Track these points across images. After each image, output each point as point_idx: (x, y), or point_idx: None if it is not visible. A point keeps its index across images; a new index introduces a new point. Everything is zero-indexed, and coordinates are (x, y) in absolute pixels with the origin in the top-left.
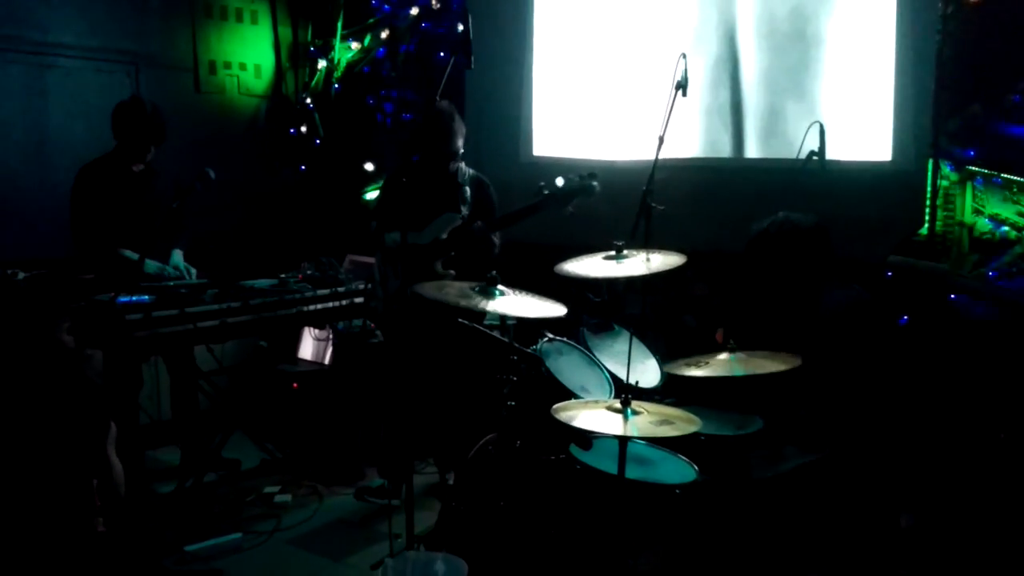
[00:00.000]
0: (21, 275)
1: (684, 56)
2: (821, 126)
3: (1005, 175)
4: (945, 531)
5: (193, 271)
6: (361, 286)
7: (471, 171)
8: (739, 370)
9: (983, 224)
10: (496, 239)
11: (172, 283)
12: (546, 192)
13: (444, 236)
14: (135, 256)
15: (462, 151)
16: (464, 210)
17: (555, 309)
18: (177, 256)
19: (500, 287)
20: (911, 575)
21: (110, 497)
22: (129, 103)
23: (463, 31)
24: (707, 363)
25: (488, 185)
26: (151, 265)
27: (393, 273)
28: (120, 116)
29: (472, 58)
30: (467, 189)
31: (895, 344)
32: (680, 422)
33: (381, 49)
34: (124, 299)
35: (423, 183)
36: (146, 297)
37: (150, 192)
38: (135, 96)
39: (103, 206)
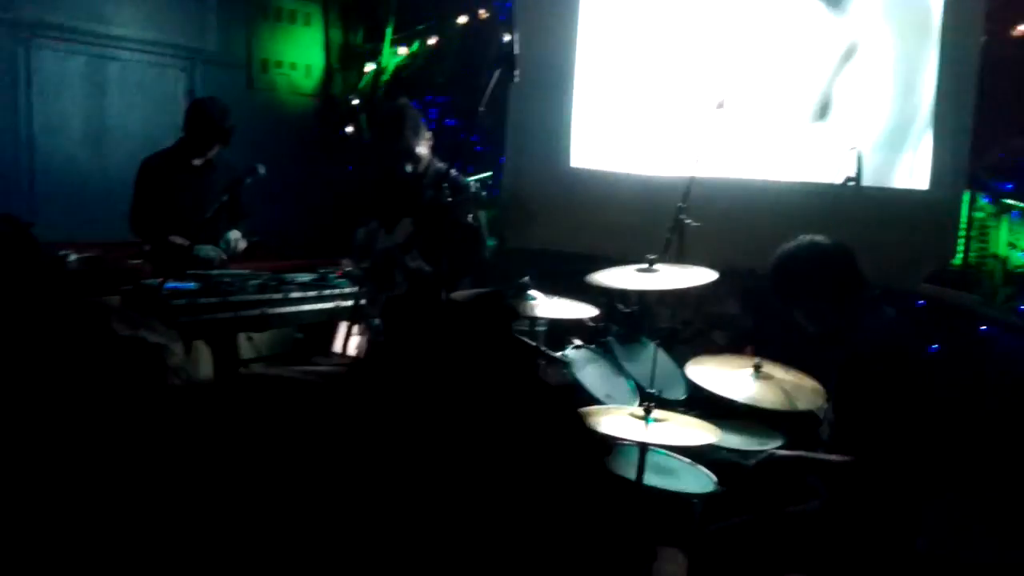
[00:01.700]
0: (73, 257)
1: (724, 77)
2: (859, 153)
3: None
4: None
5: (242, 244)
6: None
7: (441, 167)
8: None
9: (1017, 258)
10: (483, 230)
11: (216, 272)
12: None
13: (398, 242)
14: (185, 243)
15: (422, 143)
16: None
17: (585, 311)
18: (232, 235)
19: (532, 292)
20: None
21: None
22: (202, 101)
23: (509, 44)
24: (727, 376)
25: (449, 178)
26: (202, 249)
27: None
28: (191, 112)
29: (517, 71)
30: (430, 191)
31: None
32: (700, 431)
33: (428, 55)
34: (171, 285)
35: (387, 186)
36: (192, 284)
37: (208, 186)
38: (210, 97)
39: (158, 196)
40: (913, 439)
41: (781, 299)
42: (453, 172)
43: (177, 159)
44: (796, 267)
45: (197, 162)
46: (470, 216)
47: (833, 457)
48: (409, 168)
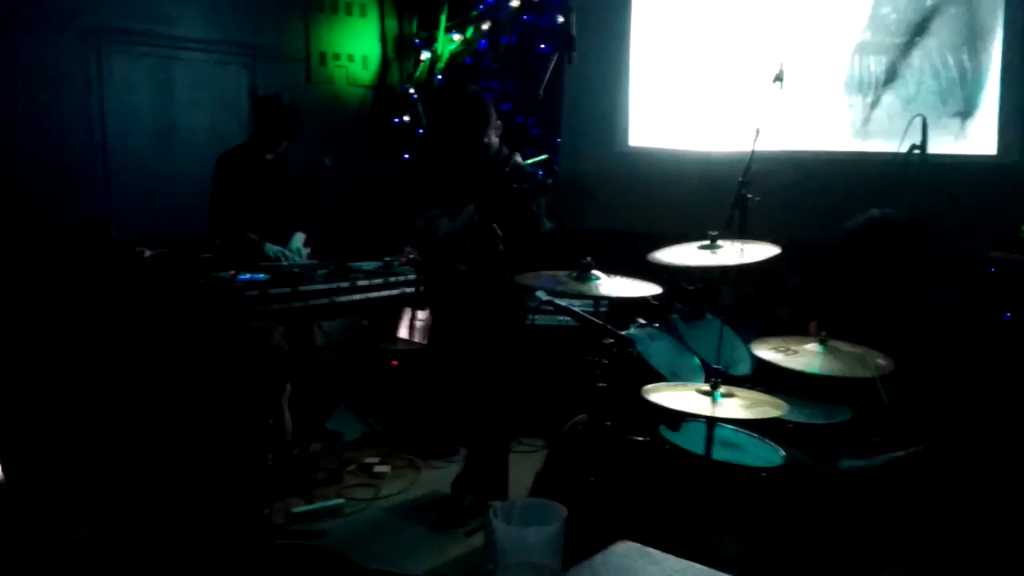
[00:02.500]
0: (147, 253)
1: (781, 51)
2: (924, 119)
3: None
4: None
5: (305, 252)
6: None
7: (516, 159)
8: (817, 367)
9: None
10: (495, 236)
11: (286, 264)
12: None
13: (460, 228)
14: (255, 237)
15: (493, 135)
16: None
17: (649, 289)
18: (298, 240)
19: (595, 271)
20: (1000, 571)
21: (278, 440)
22: (269, 98)
23: (566, 27)
24: (794, 352)
25: (517, 168)
26: (270, 248)
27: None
28: (259, 108)
29: (575, 53)
30: (494, 178)
31: (998, 341)
32: (767, 406)
33: (483, 41)
34: (243, 277)
35: (451, 173)
36: (262, 276)
37: (279, 179)
38: (276, 93)
39: (235, 191)
40: (987, 411)
41: (850, 273)
42: (518, 159)
43: (250, 154)
44: (869, 243)
45: (269, 157)
46: (535, 205)
47: (907, 452)
48: (477, 157)
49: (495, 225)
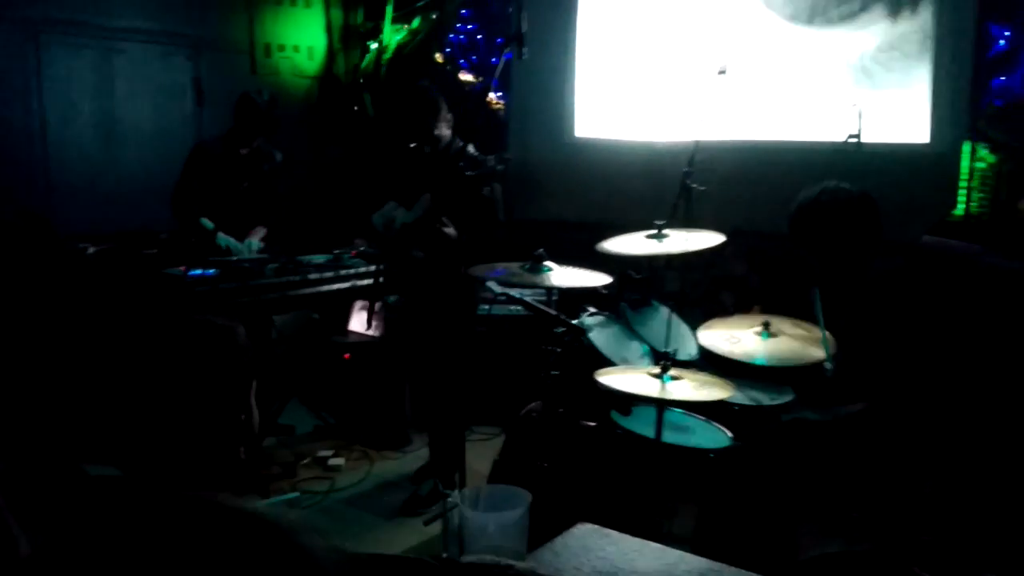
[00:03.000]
0: (91, 250)
1: (724, 43)
2: (860, 110)
3: None
4: (970, 498)
5: (256, 247)
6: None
7: (469, 149)
8: (763, 358)
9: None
10: (446, 224)
11: (235, 258)
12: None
13: (417, 217)
14: (211, 226)
15: (444, 128)
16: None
17: (600, 279)
18: (257, 234)
19: (548, 263)
20: (935, 540)
21: (247, 433)
22: (249, 93)
23: (516, 24)
24: (738, 340)
25: (467, 154)
26: (222, 239)
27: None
28: (239, 103)
29: (525, 48)
30: (447, 167)
31: (932, 319)
32: (715, 388)
33: (430, 31)
34: (193, 273)
35: (405, 163)
36: (212, 271)
37: (252, 174)
38: (258, 90)
39: (204, 180)
40: (923, 377)
41: (800, 244)
42: (471, 149)
43: (227, 147)
44: (822, 212)
45: (244, 151)
46: (487, 190)
47: (849, 409)
48: (428, 149)
49: (444, 216)
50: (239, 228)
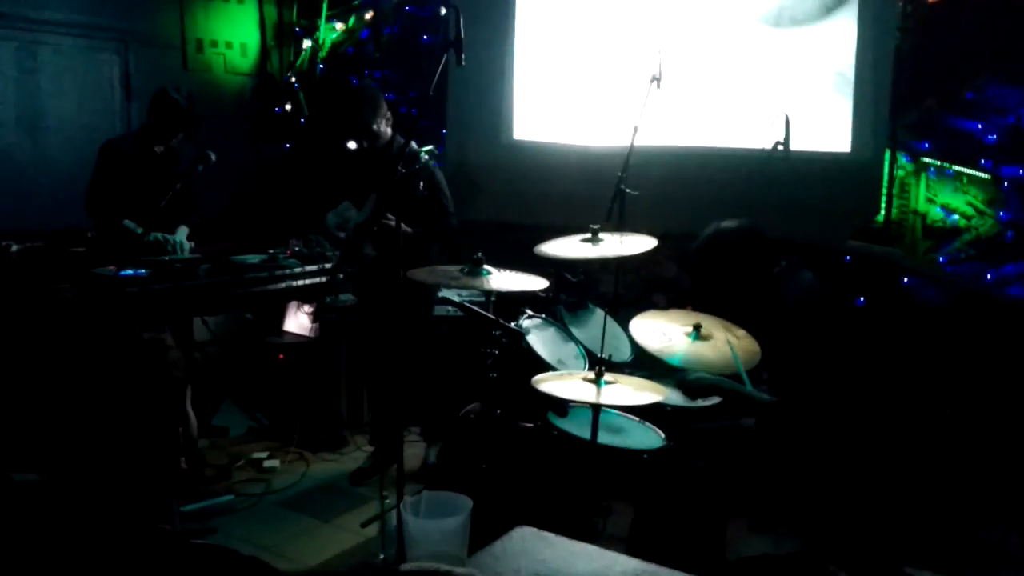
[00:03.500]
0: (15, 247)
1: (659, 51)
2: (787, 117)
3: (956, 167)
4: (891, 496)
5: (188, 245)
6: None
7: (401, 141)
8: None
9: (935, 213)
10: (450, 206)
11: (167, 258)
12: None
13: (367, 216)
14: (139, 229)
15: (383, 123)
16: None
17: (539, 283)
18: (181, 233)
19: (487, 267)
20: (858, 536)
21: (187, 442)
22: (167, 89)
23: (454, 29)
24: (669, 338)
25: (407, 151)
26: (153, 235)
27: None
28: (156, 99)
29: (463, 55)
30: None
31: (852, 325)
32: (649, 391)
33: (365, 30)
34: (124, 273)
35: (348, 163)
36: (144, 271)
37: (168, 173)
38: (176, 86)
39: (117, 179)
40: (836, 382)
41: (703, 286)
42: (413, 146)
43: (139, 144)
44: (710, 256)
45: (158, 149)
46: (421, 184)
47: (764, 398)
48: (366, 144)
49: (391, 213)
50: (158, 228)
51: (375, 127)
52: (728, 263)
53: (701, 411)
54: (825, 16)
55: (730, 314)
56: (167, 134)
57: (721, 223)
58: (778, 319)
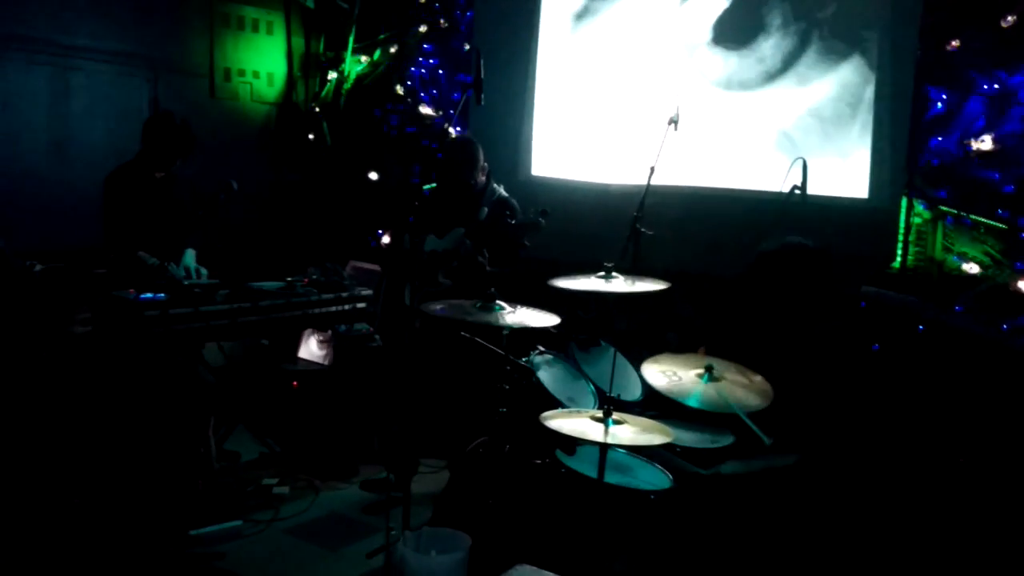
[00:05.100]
0: (38, 267)
1: (677, 95)
2: (804, 162)
3: (974, 216)
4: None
5: (204, 272)
6: (364, 292)
7: (499, 191)
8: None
9: (952, 261)
10: (483, 259)
11: (186, 282)
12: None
13: (447, 248)
14: (155, 261)
15: (480, 175)
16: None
17: (551, 320)
18: (189, 256)
19: (499, 302)
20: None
21: (207, 467)
22: (160, 116)
23: (476, 71)
24: (679, 379)
25: (509, 205)
26: (175, 269)
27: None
28: (150, 127)
29: (483, 95)
30: (485, 209)
31: (868, 369)
32: (656, 433)
33: (389, 64)
34: (144, 296)
35: (447, 201)
36: (163, 295)
37: (170, 198)
38: (166, 110)
39: (127, 211)
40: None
41: (757, 290)
42: (502, 192)
43: (139, 173)
44: (780, 263)
45: (159, 175)
46: (527, 239)
47: (777, 463)
48: (477, 188)
49: (484, 250)
50: (166, 253)
51: (472, 180)
52: (795, 273)
53: (711, 452)
54: (843, 64)
55: (745, 354)
56: (166, 160)
57: (800, 238)
58: (801, 359)
